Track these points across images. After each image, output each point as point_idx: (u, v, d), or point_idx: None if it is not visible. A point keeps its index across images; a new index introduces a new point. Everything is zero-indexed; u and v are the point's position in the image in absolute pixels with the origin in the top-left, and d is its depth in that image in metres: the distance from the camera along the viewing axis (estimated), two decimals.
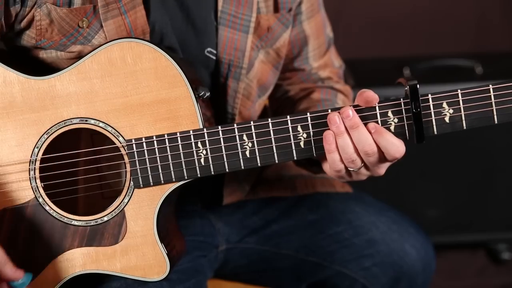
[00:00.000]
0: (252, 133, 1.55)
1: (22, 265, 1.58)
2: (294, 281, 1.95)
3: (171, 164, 1.56)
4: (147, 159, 1.56)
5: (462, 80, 2.90)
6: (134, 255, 1.59)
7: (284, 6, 1.82)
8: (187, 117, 1.56)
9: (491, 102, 1.53)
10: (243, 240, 1.93)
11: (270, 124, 1.55)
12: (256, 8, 1.77)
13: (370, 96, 1.52)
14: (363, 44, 3.43)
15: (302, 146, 1.56)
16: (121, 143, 1.56)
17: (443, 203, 3.07)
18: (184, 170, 1.56)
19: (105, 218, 1.59)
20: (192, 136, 1.56)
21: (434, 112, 1.53)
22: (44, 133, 1.57)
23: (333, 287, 1.92)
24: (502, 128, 1.82)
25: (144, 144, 1.56)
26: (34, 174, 1.58)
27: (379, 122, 1.54)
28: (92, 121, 1.56)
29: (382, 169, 1.59)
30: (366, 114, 1.53)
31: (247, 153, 1.56)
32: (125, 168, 1.57)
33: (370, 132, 1.52)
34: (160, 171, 1.56)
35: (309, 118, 1.55)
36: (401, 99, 1.53)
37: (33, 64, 1.67)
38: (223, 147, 1.56)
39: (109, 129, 1.56)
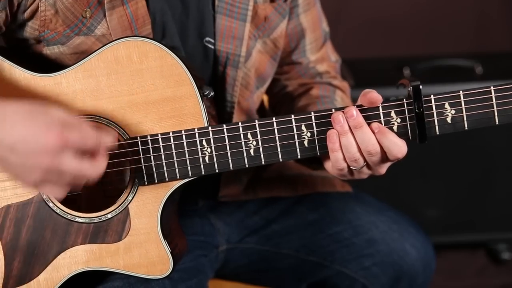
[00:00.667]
0: (256, 131, 1.56)
1: (24, 262, 1.59)
2: (294, 281, 1.95)
3: (175, 162, 1.57)
4: (152, 157, 1.57)
5: (462, 80, 2.90)
6: (138, 252, 1.60)
7: None
8: (192, 115, 1.57)
9: (492, 103, 1.54)
10: (243, 240, 1.93)
11: (275, 123, 1.56)
12: None
13: (374, 97, 1.53)
14: (363, 44, 3.43)
15: (306, 145, 1.57)
16: (126, 141, 1.57)
17: (443, 203, 3.08)
18: (189, 167, 1.57)
19: (109, 215, 1.59)
20: (197, 134, 1.56)
21: (436, 112, 1.54)
22: None
23: (333, 287, 1.92)
24: (502, 128, 1.82)
25: (149, 141, 1.56)
26: None
27: (382, 122, 1.55)
28: (98, 119, 1.57)
29: (384, 168, 1.59)
30: (369, 114, 1.54)
31: (252, 151, 1.57)
32: (130, 165, 1.58)
33: (373, 132, 1.53)
34: (165, 168, 1.57)
35: (313, 117, 1.56)
36: (404, 100, 1.54)
37: (36, 61, 1.67)
38: (227, 145, 1.56)
39: (114, 126, 1.57)
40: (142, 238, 1.59)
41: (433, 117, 1.54)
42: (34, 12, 1.63)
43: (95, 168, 1.44)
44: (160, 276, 1.61)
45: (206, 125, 1.57)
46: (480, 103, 1.54)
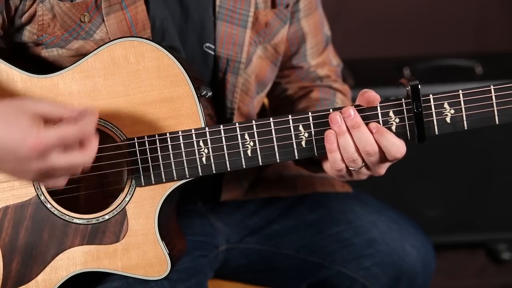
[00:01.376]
0: (253, 132, 1.56)
1: (23, 263, 1.59)
2: (294, 281, 1.95)
3: (173, 163, 1.56)
4: (149, 158, 1.56)
5: (462, 80, 2.90)
6: (135, 253, 1.60)
7: (281, 2, 1.82)
8: (189, 116, 1.56)
9: (492, 103, 1.53)
10: (243, 240, 1.93)
11: (272, 123, 1.56)
12: (254, 3, 1.77)
13: (371, 96, 1.53)
14: (363, 44, 3.43)
15: (304, 145, 1.56)
16: (123, 142, 1.57)
17: (443, 203, 3.08)
18: (186, 168, 1.57)
19: (107, 217, 1.59)
20: (194, 135, 1.56)
21: (435, 112, 1.54)
22: None
23: (333, 287, 1.92)
24: (502, 128, 1.82)
25: (146, 142, 1.56)
26: None
27: (381, 122, 1.54)
28: None
29: (383, 168, 1.59)
30: (367, 114, 1.54)
31: (249, 152, 1.56)
32: (127, 166, 1.58)
33: (371, 132, 1.53)
34: (162, 169, 1.57)
35: (310, 118, 1.55)
36: (403, 99, 1.54)
37: (35, 63, 1.67)
38: (224, 146, 1.56)
39: (111, 127, 1.56)
40: (139, 239, 1.59)
41: (432, 116, 1.54)
42: (32, 16, 1.63)
43: (86, 155, 1.44)
44: (158, 277, 1.60)
45: (203, 125, 1.56)
46: (479, 103, 1.53)
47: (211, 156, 1.56)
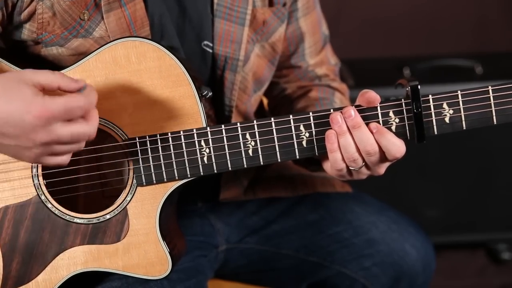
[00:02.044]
0: (255, 132, 1.56)
1: (23, 263, 1.59)
2: (294, 281, 1.95)
3: (174, 162, 1.57)
4: (150, 157, 1.57)
5: (462, 80, 2.90)
6: (136, 253, 1.60)
7: (278, 1, 1.83)
8: (191, 115, 1.57)
9: (490, 103, 1.54)
10: (243, 240, 1.93)
11: (273, 123, 1.56)
12: (252, 1, 1.77)
13: (372, 97, 1.53)
14: (363, 44, 3.43)
15: (304, 145, 1.57)
16: (124, 141, 1.57)
17: (443, 203, 3.08)
18: (187, 168, 1.57)
19: (107, 216, 1.59)
20: (195, 135, 1.56)
21: (434, 112, 1.54)
22: None
23: (333, 287, 1.92)
24: (502, 128, 1.82)
25: (148, 142, 1.56)
26: (37, 171, 1.58)
27: (381, 122, 1.55)
28: None
29: (382, 168, 1.59)
30: (367, 114, 1.54)
31: (250, 151, 1.57)
32: (128, 166, 1.58)
33: (371, 132, 1.53)
34: (163, 169, 1.57)
35: (311, 118, 1.56)
36: (402, 100, 1.54)
37: (34, 62, 1.66)
38: (226, 146, 1.56)
39: (112, 127, 1.57)
40: (140, 239, 1.59)
41: (431, 117, 1.54)
42: (32, 14, 1.63)
43: (90, 126, 1.42)
44: (159, 276, 1.61)
45: (204, 125, 1.57)
46: (478, 103, 1.54)
47: (213, 156, 1.57)
